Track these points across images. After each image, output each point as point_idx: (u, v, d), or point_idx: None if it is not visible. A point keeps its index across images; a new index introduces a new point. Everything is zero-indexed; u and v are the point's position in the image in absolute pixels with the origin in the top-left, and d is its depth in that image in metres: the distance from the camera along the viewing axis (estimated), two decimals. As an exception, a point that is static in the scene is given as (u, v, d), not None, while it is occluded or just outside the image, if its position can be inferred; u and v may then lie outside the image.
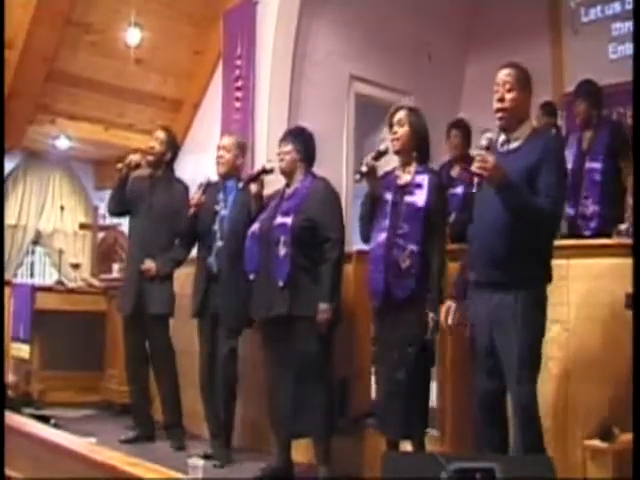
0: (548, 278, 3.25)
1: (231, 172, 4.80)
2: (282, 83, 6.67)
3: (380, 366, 3.93)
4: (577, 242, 3.84)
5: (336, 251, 4.12)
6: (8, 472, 2.38)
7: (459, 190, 5.37)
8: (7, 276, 8.21)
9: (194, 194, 4.80)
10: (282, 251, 4.10)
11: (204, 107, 7.85)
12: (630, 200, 4.83)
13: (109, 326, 6.58)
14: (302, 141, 4.36)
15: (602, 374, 3.46)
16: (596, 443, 3.25)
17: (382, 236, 3.81)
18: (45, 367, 6.58)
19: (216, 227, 4.69)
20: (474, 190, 3.19)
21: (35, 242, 9.25)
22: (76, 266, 8.03)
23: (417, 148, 3.91)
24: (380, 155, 3.92)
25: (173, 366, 5.14)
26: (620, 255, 3.45)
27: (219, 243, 4.66)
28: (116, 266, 7.15)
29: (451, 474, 2.48)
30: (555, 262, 3.29)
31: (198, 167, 6.92)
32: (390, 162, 4.11)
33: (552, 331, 3.28)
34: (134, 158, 5.15)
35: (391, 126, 3.96)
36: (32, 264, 9.48)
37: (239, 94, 6.92)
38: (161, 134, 5.26)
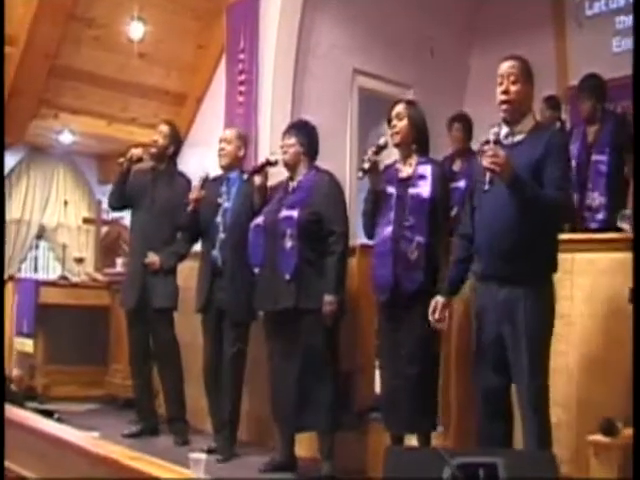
0: (554, 270, 3.26)
1: (233, 164, 4.79)
2: (285, 77, 6.66)
3: (386, 360, 3.93)
4: (582, 236, 3.83)
5: (341, 245, 4.12)
6: (11, 466, 2.38)
7: (461, 184, 5.35)
8: (11, 271, 8.23)
9: (193, 190, 4.79)
10: (288, 244, 4.10)
11: (207, 101, 7.85)
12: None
13: (113, 320, 6.59)
14: (306, 134, 4.36)
15: (605, 369, 3.45)
16: (599, 438, 3.24)
17: (388, 230, 3.82)
18: (49, 361, 6.59)
19: (219, 219, 4.67)
20: (486, 187, 3.17)
21: (39, 237, 9.26)
22: (80, 260, 8.04)
23: (417, 140, 3.93)
24: (380, 149, 3.92)
25: (177, 360, 5.14)
26: (625, 250, 3.43)
27: (222, 235, 4.64)
28: (120, 260, 7.15)
29: (454, 469, 2.48)
30: (560, 256, 3.29)
31: (202, 161, 6.90)
32: (391, 155, 4.10)
33: (556, 326, 3.27)
34: (135, 152, 5.15)
35: (390, 120, 3.97)
36: (36, 259, 9.48)
37: (242, 88, 6.91)
38: (165, 128, 5.25)
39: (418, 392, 3.73)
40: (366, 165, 3.86)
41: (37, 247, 9.44)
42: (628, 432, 3.06)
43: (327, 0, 6.83)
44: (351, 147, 7.05)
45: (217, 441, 4.66)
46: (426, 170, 3.85)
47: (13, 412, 2.68)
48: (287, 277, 4.08)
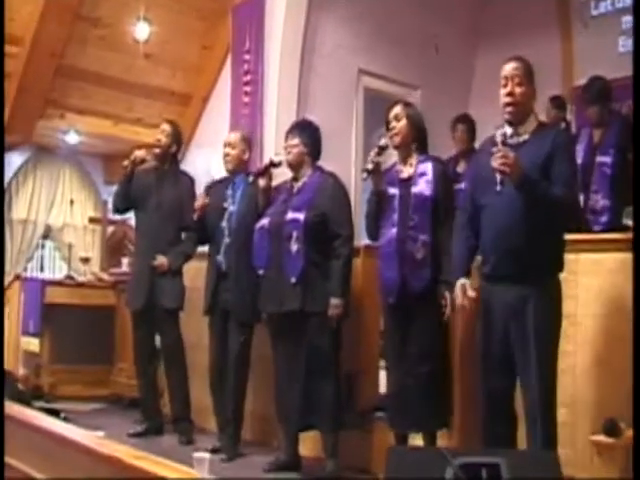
0: (561, 269, 3.27)
1: (239, 168, 4.80)
2: (291, 77, 6.67)
3: (394, 360, 3.93)
4: (587, 237, 3.83)
5: (347, 248, 4.14)
6: (18, 465, 2.40)
7: (465, 185, 5.35)
8: (17, 270, 8.25)
9: (198, 197, 4.80)
10: (294, 247, 4.10)
11: (213, 101, 7.86)
12: None
13: (118, 320, 6.61)
14: (309, 134, 4.37)
15: (609, 369, 3.45)
16: (602, 438, 3.24)
17: (392, 231, 3.83)
18: (55, 361, 6.61)
19: (224, 224, 4.69)
20: (498, 188, 3.19)
21: (45, 236, 9.28)
22: (86, 260, 8.05)
23: (416, 139, 3.96)
24: (382, 150, 3.94)
25: (183, 360, 5.15)
26: (630, 250, 3.43)
27: (227, 240, 4.66)
28: (125, 260, 7.17)
29: (456, 469, 2.48)
30: (565, 256, 3.30)
31: (207, 161, 6.94)
32: (392, 157, 4.12)
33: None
34: (139, 154, 5.16)
35: (388, 122, 3.99)
36: (42, 258, 9.50)
37: (248, 88, 6.93)
38: (167, 127, 5.27)
39: (427, 391, 3.74)
40: (369, 166, 3.87)
41: (43, 247, 9.46)
42: (631, 433, 3.06)
43: (332, 0, 6.84)
44: (356, 147, 7.06)
45: (221, 440, 4.68)
46: (427, 168, 3.88)
47: (19, 411, 2.69)
48: (293, 280, 4.09)
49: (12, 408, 2.75)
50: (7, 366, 6.19)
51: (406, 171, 3.93)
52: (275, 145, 6.32)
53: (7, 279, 6.69)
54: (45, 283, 6.74)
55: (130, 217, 7.07)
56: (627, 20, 6.99)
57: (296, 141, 4.33)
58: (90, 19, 7.11)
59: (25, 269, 8.89)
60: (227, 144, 4.83)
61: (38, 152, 9.06)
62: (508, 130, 3.33)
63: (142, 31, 7.11)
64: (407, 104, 4.14)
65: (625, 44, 6.93)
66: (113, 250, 8.38)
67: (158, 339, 5.24)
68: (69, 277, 7.37)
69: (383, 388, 4.25)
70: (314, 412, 4.12)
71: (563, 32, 7.37)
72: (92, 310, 6.67)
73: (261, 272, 4.28)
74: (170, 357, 5.17)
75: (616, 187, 4.96)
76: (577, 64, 7.11)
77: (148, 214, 5.16)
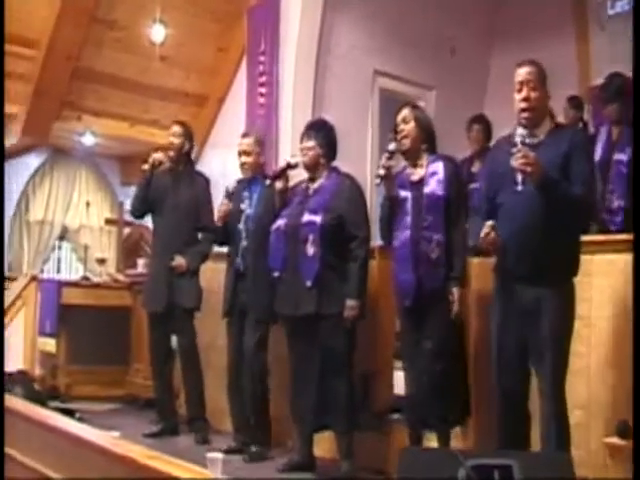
0: (577, 270, 3.28)
1: (256, 172, 4.83)
2: (306, 78, 6.67)
3: (410, 361, 3.92)
4: (601, 237, 3.82)
5: (363, 249, 4.14)
6: (34, 465, 2.41)
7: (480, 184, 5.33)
8: (34, 271, 8.29)
9: (220, 205, 4.81)
10: (310, 250, 4.10)
11: (228, 103, 7.88)
12: None
13: (134, 321, 6.64)
14: (324, 135, 4.37)
15: (623, 371, 3.43)
16: (615, 440, 3.23)
17: (406, 234, 3.84)
18: (71, 361, 6.65)
19: (241, 226, 4.71)
20: (519, 188, 3.19)
21: (62, 237, 9.34)
22: (102, 261, 8.09)
23: (425, 141, 3.97)
24: (392, 155, 3.94)
25: (198, 360, 5.17)
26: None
27: (244, 243, 4.69)
28: (141, 261, 7.21)
29: (469, 470, 2.48)
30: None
31: (223, 162, 6.96)
32: (403, 160, 4.12)
33: (575, 327, 3.26)
34: (157, 157, 5.18)
35: (396, 126, 4.00)
36: (59, 259, 9.57)
37: (263, 89, 6.94)
38: (177, 128, 5.29)
39: (441, 390, 3.74)
40: (381, 171, 3.88)
41: (60, 248, 9.53)
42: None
43: (347, 1, 6.84)
44: (372, 148, 7.05)
45: (236, 441, 4.69)
46: (438, 167, 3.89)
47: (35, 411, 2.71)
48: (309, 284, 4.09)
49: (28, 408, 2.77)
50: (24, 366, 6.24)
51: (417, 173, 3.94)
52: (291, 146, 6.32)
53: (24, 280, 6.72)
54: (61, 284, 6.78)
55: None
56: (644, 19, 6.94)
57: (312, 143, 4.33)
58: (106, 22, 7.15)
59: (42, 270, 8.95)
60: (242, 152, 4.84)
61: (55, 154, 9.13)
62: (524, 131, 3.32)
63: (158, 33, 7.13)
64: (415, 106, 4.16)
65: (642, 43, 6.88)
66: (129, 251, 8.43)
67: (174, 340, 5.26)
68: (85, 278, 7.42)
69: (398, 389, 4.24)
70: (329, 412, 4.12)
71: (579, 32, 7.33)
72: (108, 311, 6.70)
73: (277, 274, 4.29)
74: (186, 357, 5.18)
75: (631, 187, 4.92)
76: (593, 64, 7.07)
77: (165, 215, 5.18)
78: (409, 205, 3.86)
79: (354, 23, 6.93)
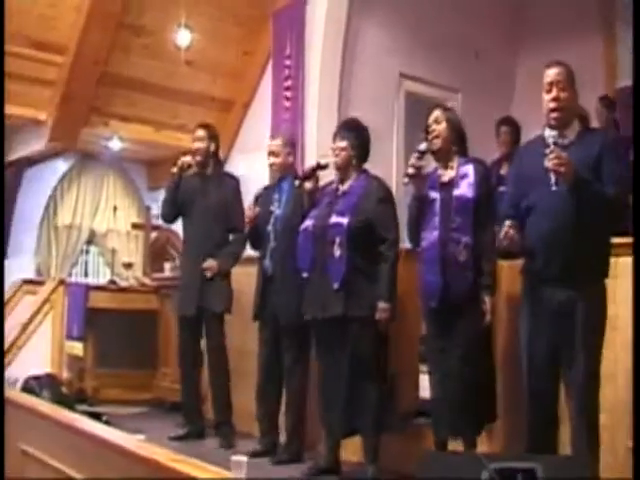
0: (608, 271, 3.27)
1: (286, 172, 4.84)
2: (331, 82, 6.67)
3: (436, 365, 3.89)
4: (625, 240, 3.78)
5: (393, 251, 4.13)
6: (58, 465, 2.42)
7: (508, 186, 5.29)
8: (62, 275, 8.36)
9: (247, 210, 4.82)
10: (337, 252, 4.10)
11: (254, 107, 7.89)
12: None
13: (161, 324, 6.67)
14: (357, 136, 4.35)
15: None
16: (638, 444, 3.18)
17: (434, 235, 3.82)
18: (98, 365, 6.70)
19: (270, 228, 4.72)
20: (554, 188, 3.17)
21: (89, 242, 9.41)
22: (129, 265, 8.14)
23: (456, 143, 3.96)
24: (422, 154, 3.93)
25: (227, 364, 5.17)
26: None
27: (273, 244, 4.69)
28: (168, 265, 7.23)
29: (492, 473, 2.46)
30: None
31: (249, 166, 6.97)
32: (433, 162, 4.10)
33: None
34: (186, 160, 5.20)
35: (427, 127, 4.00)
36: (86, 263, 9.64)
37: (289, 93, 6.94)
38: (201, 132, 5.29)
39: (468, 396, 3.70)
40: (410, 171, 3.86)
41: (87, 252, 9.59)
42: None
43: (372, 5, 6.84)
44: (397, 151, 7.03)
45: (260, 444, 4.69)
46: (468, 169, 3.87)
47: (62, 414, 2.72)
48: (336, 286, 4.08)
49: (54, 411, 2.79)
50: (51, 370, 6.29)
51: (447, 175, 3.92)
52: (316, 150, 6.33)
53: (52, 284, 6.77)
54: (89, 288, 6.84)
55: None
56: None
57: (344, 144, 4.31)
58: (133, 27, 7.19)
59: (70, 274, 9.02)
60: (271, 153, 4.86)
61: (82, 159, 9.20)
62: (554, 132, 3.31)
63: (183, 38, 7.16)
64: (446, 108, 4.15)
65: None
66: (156, 255, 8.46)
67: (203, 343, 5.26)
68: (112, 282, 7.47)
69: (423, 392, 4.21)
70: (357, 417, 4.10)
71: (605, 33, 7.25)
72: (135, 314, 6.74)
73: (305, 275, 4.28)
74: (214, 360, 5.18)
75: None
76: (620, 65, 7.00)
77: (195, 219, 5.20)
78: (437, 206, 3.84)
79: (379, 27, 6.92)
